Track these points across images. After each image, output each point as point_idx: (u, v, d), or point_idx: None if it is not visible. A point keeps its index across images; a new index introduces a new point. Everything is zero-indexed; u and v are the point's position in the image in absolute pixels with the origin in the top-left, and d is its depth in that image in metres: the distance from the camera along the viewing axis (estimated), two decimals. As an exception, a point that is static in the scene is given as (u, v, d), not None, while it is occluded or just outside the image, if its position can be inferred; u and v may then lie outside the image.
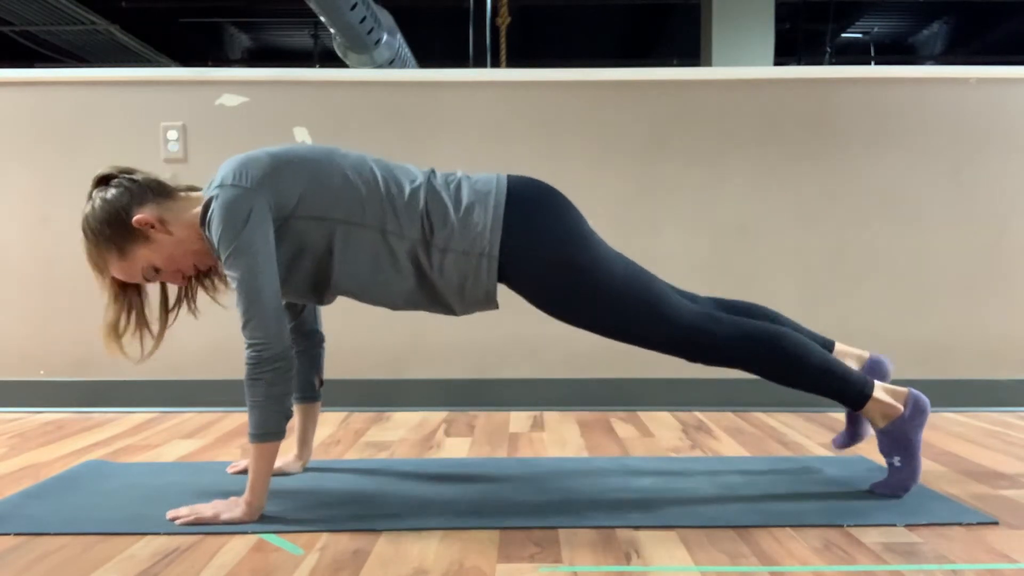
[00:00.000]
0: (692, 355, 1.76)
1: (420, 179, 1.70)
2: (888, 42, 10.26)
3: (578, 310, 1.72)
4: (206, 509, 1.60)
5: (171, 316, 1.77)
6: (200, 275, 1.78)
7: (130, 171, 1.72)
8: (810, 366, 1.73)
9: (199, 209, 1.67)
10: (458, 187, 1.70)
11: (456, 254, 1.65)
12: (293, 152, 1.68)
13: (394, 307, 1.75)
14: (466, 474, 1.97)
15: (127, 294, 1.72)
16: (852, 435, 1.94)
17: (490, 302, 1.72)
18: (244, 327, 1.57)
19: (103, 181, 1.70)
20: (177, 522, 1.57)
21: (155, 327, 1.75)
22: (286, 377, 1.59)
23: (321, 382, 1.96)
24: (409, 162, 1.84)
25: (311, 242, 1.65)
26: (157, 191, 1.70)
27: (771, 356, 1.73)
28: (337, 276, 1.68)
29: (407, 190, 1.67)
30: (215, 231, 1.59)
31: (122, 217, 1.65)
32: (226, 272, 1.60)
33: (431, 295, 1.71)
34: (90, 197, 1.69)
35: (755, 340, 1.72)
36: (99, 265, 1.68)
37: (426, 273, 1.67)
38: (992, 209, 2.99)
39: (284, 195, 1.62)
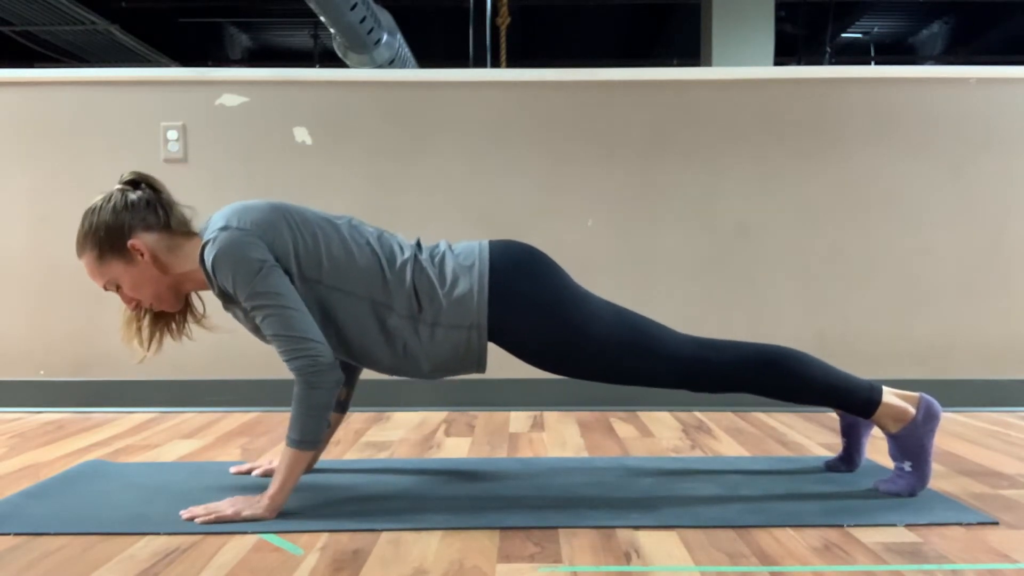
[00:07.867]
0: (697, 386, 1.76)
1: (408, 253, 1.71)
2: (888, 42, 10.26)
3: (573, 365, 1.73)
4: (225, 507, 1.60)
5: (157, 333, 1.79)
6: (157, 315, 1.79)
7: (158, 189, 1.73)
8: (815, 379, 1.73)
9: (194, 249, 1.68)
10: (442, 261, 1.71)
11: (445, 328, 1.68)
12: (292, 208, 1.70)
13: (377, 370, 1.76)
14: (466, 474, 1.97)
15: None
16: (848, 461, 1.94)
17: (480, 366, 1.74)
18: (292, 359, 1.59)
19: (129, 184, 1.71)
20: (196, 520, 1.57)
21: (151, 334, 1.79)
22: (337, 388, 1.62)
23: (348, 395, 1.96)
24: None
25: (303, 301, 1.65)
26: (166, 224, 1.70)
27: (773, 373, 1.73)
28: (326, 336, 1.67)
29: (396, 264, 1.69)
30: (226, 276, 1.60)
31: (122, 233, 1.66)
32: (253, 313, 1.61)
33: (413, 364, 1.71)
34: (110, 194, 1.69)
35: (755, 360, 1.73)
36: (80, 251, 1.69)
37: (409, 344, 1.68)
38: (992, 209, 2.99)
39: (277, 247, 1.63)
